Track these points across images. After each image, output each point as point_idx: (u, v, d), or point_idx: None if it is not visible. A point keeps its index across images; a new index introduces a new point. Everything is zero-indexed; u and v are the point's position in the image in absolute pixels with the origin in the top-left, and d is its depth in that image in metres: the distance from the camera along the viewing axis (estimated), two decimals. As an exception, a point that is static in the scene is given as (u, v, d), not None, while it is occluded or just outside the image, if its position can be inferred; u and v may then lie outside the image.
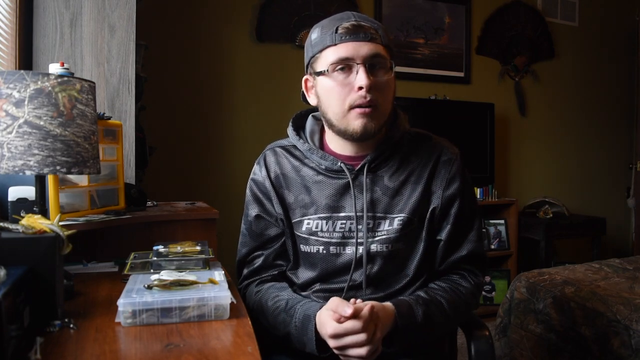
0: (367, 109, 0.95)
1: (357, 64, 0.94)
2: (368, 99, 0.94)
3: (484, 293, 3.12)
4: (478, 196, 3.11)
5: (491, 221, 3.21)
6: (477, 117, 3.20)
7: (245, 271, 1.13)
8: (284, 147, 1.11)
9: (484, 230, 3.17)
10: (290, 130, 1.10)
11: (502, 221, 3.22)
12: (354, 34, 0.94)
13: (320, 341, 0.92)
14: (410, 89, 3.11)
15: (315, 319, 0.92)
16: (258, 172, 1.11)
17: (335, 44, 0.95)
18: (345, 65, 0.95)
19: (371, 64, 0.95)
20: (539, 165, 3.64)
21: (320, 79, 0.99)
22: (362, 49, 0.94)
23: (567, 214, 3.36)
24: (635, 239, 3.78)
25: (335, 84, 0.96)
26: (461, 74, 3.33)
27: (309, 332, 0.92)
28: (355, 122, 0.96)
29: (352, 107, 0.96)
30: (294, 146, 1.10)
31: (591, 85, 3.81)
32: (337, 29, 0.95)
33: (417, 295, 1.00)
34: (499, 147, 3.36)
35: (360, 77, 0.93)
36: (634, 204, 3.77)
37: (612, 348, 1.54)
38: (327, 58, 0.96)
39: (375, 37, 0.95)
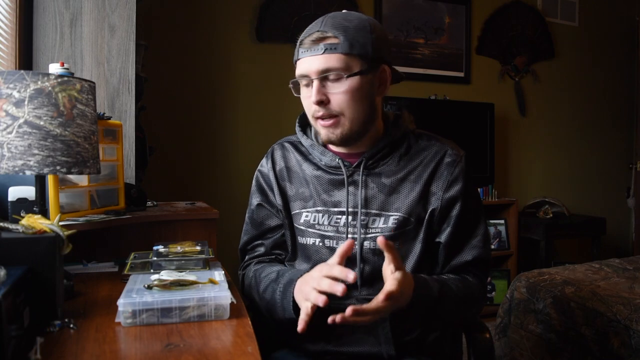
0: (326, 121, 0.98)
1: (312, 79, 0.97)
2: (321, 113, 0.97)
3: (484, 293, 3.12)
4: (478, 196, 3.11)
5: (491, 221, 3.21)
6: (477, 117, 3.20)
7: (246, 257, 1.17)
8: (291, 142, 1.16)
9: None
10: (296, 127, 1.14)
11: (502, 221, 3.22)
12: (310, 48, 0.96)
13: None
14: (410, 89, 3.11)
15: (296, 282, 0.93)
16: (265, 164, 1.16)
17: (299, 59, 0.99)
18: (306, 80, 0.99)
19: (326, 77, 0.96)
20: (539, 165, 3.64)
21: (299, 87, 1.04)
22: (314, 64, 0.96)
23: (567, 214, 3.36)
24: (635, 239, 3.78)
25: (302, 97, 1.02)
26: (461, 74, 3.33)
27: (289, 295, 0.94)
28: (321, 132, 1.01)
29: (316, 118, 1.00)
30: (301, 142, 1.13)
31: (591, 85, 3.81)
32: (301, 43, 0.98)
33: (430, 276, 1.00)
34: (499, 147, 3.36)
35: (312, 93, 0.96)
36: (634, 204, 3.77)
37: (612, 348, 1.54)
38: (296, 72, 1.01)
39: (333, 47, 0.95)
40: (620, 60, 3.90)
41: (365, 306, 0.82)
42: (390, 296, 0.82)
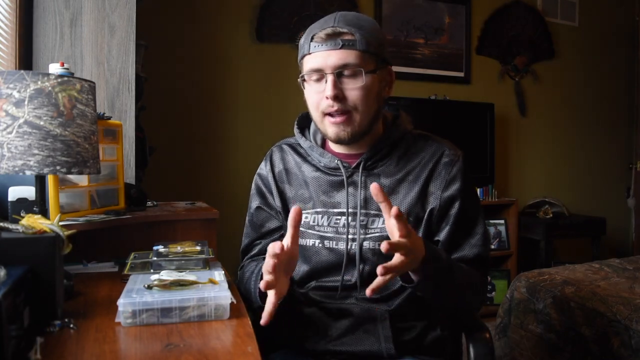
0: (337, 118, 0.98)
1: (327, 73, 0.96)
2: (335, 108, 0.96)
3: (484, 293, 3.12)
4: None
5: (491, 221, 3.21)
6: (477, 117, 3.20)
7: (245, 258, 1.19)
8: (290, 145, 1.16)
9: (484, 230, 3.17)
10: (295, 129, 1.14)
11: (502, 221, 3.22)
12: (326, 42, 0.95)
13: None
14: (410, 89, 3.11)
15: None
16: (263, 167, 1.16)
17: (310, 53, 0.97)
18: (318, 74, 0.97)
19: (340, 73, 0.96)
20: (539, 165, 3.64)
21: (304, 83, 1.03)
22: (331, 58, 0.95)
23: (567, 214, 3.36)
24: (635, 239, 3.78)
25: (311, 92, 1.00)
26: (461, 74, 3.33)
27: (258, 282, 0.95)
28: (329, 129, 1.00)
29: (325, 114, 0.99)
30: (299, 144, 1.13)
31: (591, 85, 3.81)
32: (313, 37, 0.97)
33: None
34: (499, 147, 3.36)
35: (327, 87, 0.95)
36: (634, 204, 3.77)
37: (612, 348, 1.54)
38: (305, 66, 1.00)
39: (350, 43, 0.95)
40: (620, 60, 3.90)
41: (390, 263, 0.79)
42: (403, 239, 0.81)
